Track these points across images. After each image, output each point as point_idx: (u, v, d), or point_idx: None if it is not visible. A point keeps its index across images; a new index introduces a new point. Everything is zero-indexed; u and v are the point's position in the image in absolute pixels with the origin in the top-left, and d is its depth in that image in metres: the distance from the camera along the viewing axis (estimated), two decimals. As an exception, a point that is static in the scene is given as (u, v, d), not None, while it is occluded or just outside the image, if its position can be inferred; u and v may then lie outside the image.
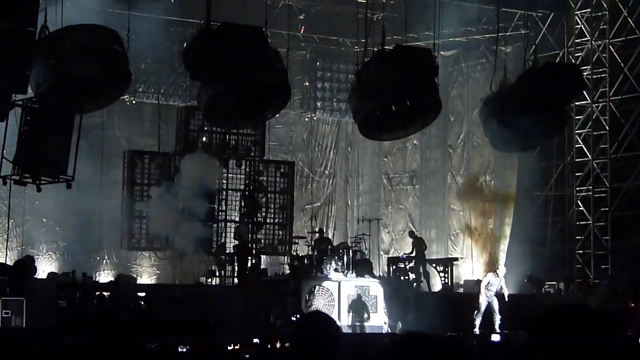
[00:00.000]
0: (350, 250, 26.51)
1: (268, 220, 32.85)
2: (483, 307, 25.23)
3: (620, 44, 32.11)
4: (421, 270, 29.43)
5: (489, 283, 25.36)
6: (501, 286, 25.36)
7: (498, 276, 25.45)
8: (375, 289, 25.56)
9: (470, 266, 33.53)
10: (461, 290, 31.12)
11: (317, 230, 30.39)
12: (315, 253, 26.46)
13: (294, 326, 4.50)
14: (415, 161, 37.35)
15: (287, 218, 33.28)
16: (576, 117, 32.51)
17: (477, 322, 25.25)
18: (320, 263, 25.71)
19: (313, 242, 27.96)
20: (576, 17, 32.81)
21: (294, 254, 28.11)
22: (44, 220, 31.18)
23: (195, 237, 29.08)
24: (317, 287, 25.00)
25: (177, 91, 33.59)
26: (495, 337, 22.89)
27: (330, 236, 33.77)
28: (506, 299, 25.43)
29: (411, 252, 29.94)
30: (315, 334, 4.34)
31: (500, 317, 25.10)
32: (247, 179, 32.79)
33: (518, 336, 20.97)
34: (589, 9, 32.51)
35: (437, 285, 30.56)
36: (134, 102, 33.14)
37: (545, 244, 32.38)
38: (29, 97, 20.34)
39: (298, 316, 22.80)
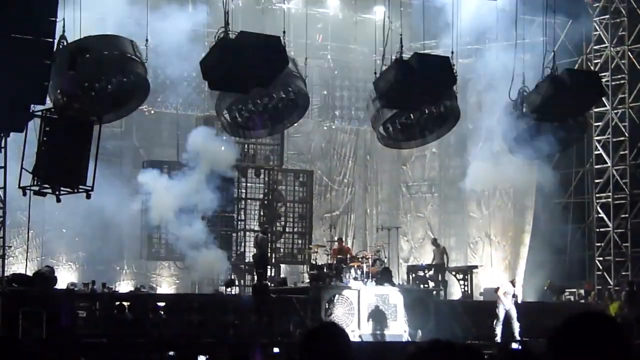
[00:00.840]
0: (370, 259, 26.46)
1: (287, 229, 32.86)
2: (502, 316, 25.13)
3: (639, 51, 32.05)
4: (440, 278, 29.35)
5: (505, 292, 25.30)
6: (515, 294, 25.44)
7: (514, 284, 25.45)
8: (395, 297, 25.50)
9: (489, 274, 33.41)
10: (481, 298, 31.02)
11: (336, 239, 30.35)
12: (335, 262, 26.41)
13: (303, 338, 4.43)
14: (434, 169, 37.28)
15: (306, 227, 33.27)
16: (595, 124, 32.44)
17: (498, 330, 25.14)
18: (339, 272, 25.66)
19: (332, 251, 27.92)
20: (595, 24, 32.76)
21: (313, 262, 28.07)
22: (64, 230, 31.17)
23: (213, 243, 29.16)
24: (336, 295, 24.95)
25: (195, 101, 33.60)
26: (515, 345, 22.80)
27: (349, 245, 33.70)
28: (518, 302, 25.56)
29: (433, 260, 29.81)
30: (324, 348, 4.27)
31: (519, 324, 25.01)
32: (266, 188, 32.79)
33: (538, 344, 20.87)
34: (608, 16, 32.46)
35: (456, 293, 30.50)
36: (152, 112, 33.16)
37: (566, 251, 32.29)
38: (48, 108, 20.42)
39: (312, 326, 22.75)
